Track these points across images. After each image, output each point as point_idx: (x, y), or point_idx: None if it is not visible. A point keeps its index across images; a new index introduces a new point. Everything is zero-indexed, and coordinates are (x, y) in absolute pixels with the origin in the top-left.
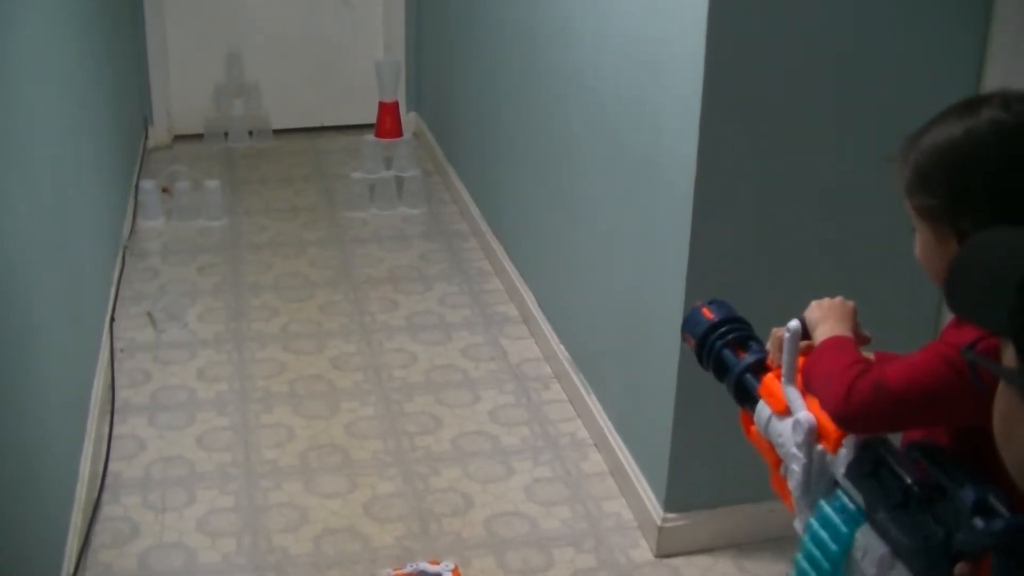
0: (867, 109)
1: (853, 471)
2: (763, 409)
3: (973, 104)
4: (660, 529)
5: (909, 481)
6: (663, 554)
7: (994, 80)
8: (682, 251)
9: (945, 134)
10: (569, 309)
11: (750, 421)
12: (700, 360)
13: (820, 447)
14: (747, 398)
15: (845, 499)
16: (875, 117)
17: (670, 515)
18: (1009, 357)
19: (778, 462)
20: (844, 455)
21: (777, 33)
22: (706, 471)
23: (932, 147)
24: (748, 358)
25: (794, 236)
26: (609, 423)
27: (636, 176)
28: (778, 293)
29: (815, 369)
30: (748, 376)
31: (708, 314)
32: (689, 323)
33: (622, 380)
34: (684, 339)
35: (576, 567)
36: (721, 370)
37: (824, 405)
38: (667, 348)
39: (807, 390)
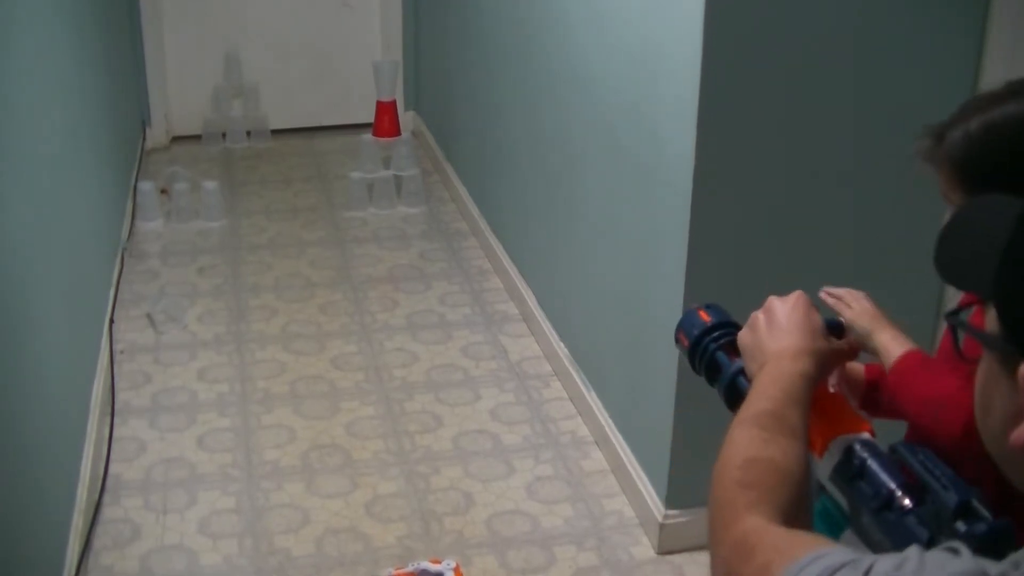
0: (865, 110)
1: (838, 474)
2: None
3: (1018, 91)
4: (662, 526)
5: (892, 484)
6: (665, 551)
7: (993, 79)
8: (681, 248)
9: (1011, 109)
10: (569, 307)
11: None
12: (692, 361)
13: (808, 453)
14: (739, 401)
15: (829, 503)
16: (873, 118)
17: (671, 512)
18: (991, 323)
19: None
20: (829, 457)
21: (773, 34)
22: (707, 467)
23: (994, 120)
24: (741, 362)
25: (793, 235)
26: (610, 421)
27: (635, 174)
28: (776, 292)
29: (908, 385)
30: (741, 379)
31: (704, 316)
32: (685, 324)
33: (622, 378)
34: (677, 339)
35: (578, 565)
36: (713, 372)
37: (923, 428)
38: (667, 345)
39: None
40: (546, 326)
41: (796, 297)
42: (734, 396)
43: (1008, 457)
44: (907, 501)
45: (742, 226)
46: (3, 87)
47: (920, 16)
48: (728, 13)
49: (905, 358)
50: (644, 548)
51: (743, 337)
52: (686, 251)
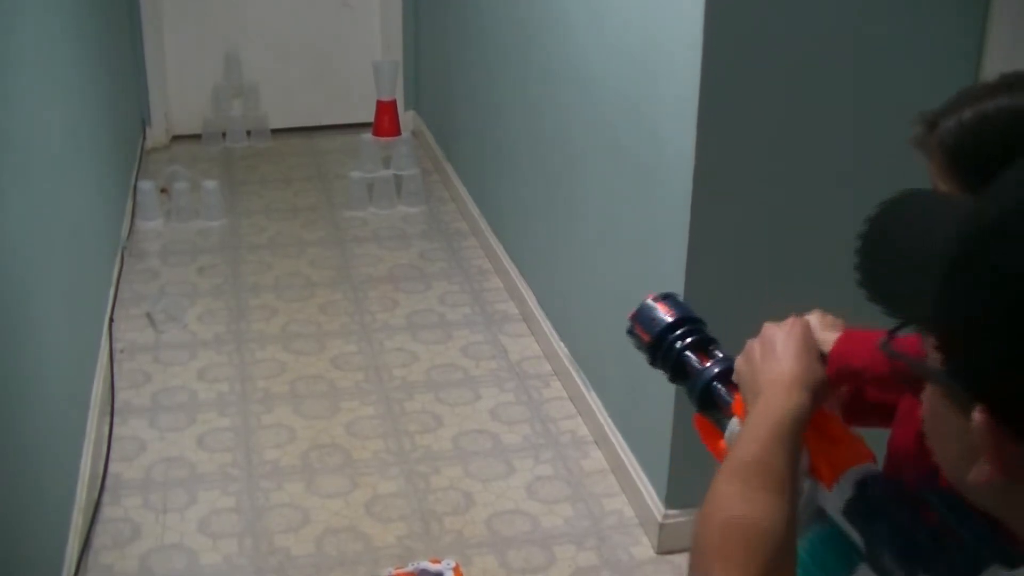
0: (864, 109)
1: (853, 510)
2: (738, 429)
3: (1013, 84)
4: (661, 526)
5: (915, 529)
6: (665, 551)
7: (993, 75)
8: (681, 248)
9: (1005, 102)
10: (569, 307)
11: (712, 430)
12: (653, 359)
13: (812, 480)
14: (712, 406)
15: (838, 535)
16: (872, 117)
17: (671, 511)
18: (931, 353)
19: None
20: (840, 490)
21: (773, 34)
22: (707, 467)
23: (987, 111)
24: (714, 367)
25: (793, 235)
26: (610, 420)
27: (635, 174)
28: (776, 291)
29: None
30: (717, 386)
31: (664, 309)
32: (642, 317)
33: (622, 377)
34: (633, 331)
35: (578, 565)
36: (680, 374)
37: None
38: None
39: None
40: (546, 326)
41: (791, 323)
42: (707, 402)
43: (969, 488)
44: (932, 547)
45: (742, 226)
46: (3, 87)
47: (920, 16)
48: (728, 13)
49: (851, 331)
50: (644, 548)
51: (739, 366)
52: (686, 251)
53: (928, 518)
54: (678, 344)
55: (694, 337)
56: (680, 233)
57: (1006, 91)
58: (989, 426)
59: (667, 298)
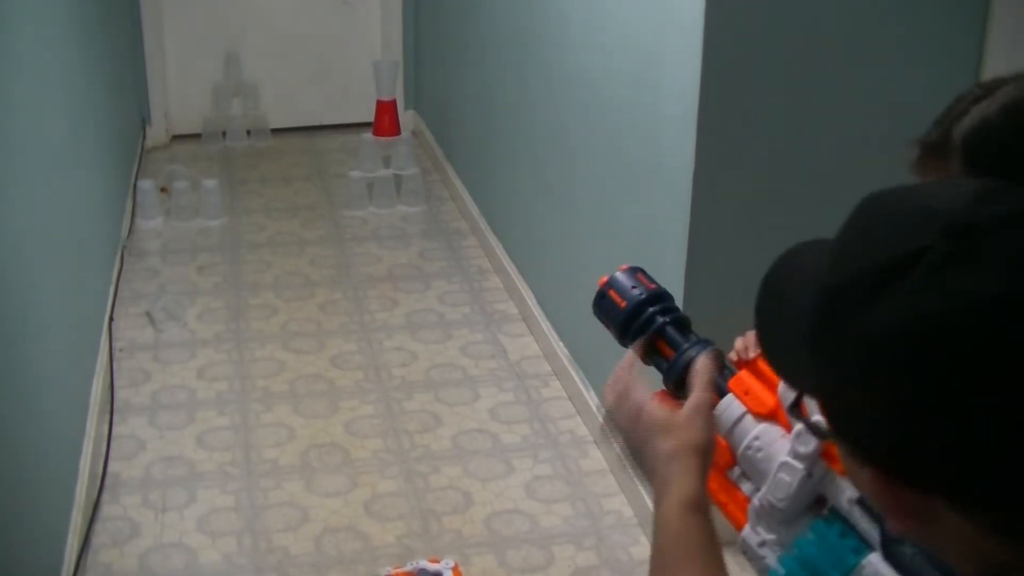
0: (865, 109)
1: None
2: (733, 406)
3: (1008, 78)
4: None
5: None
6: None
7: (993, 74)
8: (681, 248)
9: (1012, 93)
10: (568, 306)
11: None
12: (625, 328)
13: (825, 464)
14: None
15: (848, 525)
16: (873, 117)
17: None
18: (820, 414)
19: (729, 463)
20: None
21: (773, 34)
22: None
23: (1002, 106)
24: (696, 347)
25: (793, 236)
26: None
27: (634, 173)
28: None
29: None
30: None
31: (645, 280)
32: (620, 286)
33: None
34: (606, 297)
35: (577, 564)
36: (653, 349)
37: None
38: None
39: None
40: (545, 325)
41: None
42: (683, 383)
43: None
44: None
45: (742, 226)
46: (4, 86)
47: (920, 16)
48: (728, 13)
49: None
50: (643, 547)
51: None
52: (686, 251)
53: None
54: (659, 319)
55: (675, 314)
56: (680, 233)
57: (1009, 84)
58: (881, 483)
59: (642, 271)
